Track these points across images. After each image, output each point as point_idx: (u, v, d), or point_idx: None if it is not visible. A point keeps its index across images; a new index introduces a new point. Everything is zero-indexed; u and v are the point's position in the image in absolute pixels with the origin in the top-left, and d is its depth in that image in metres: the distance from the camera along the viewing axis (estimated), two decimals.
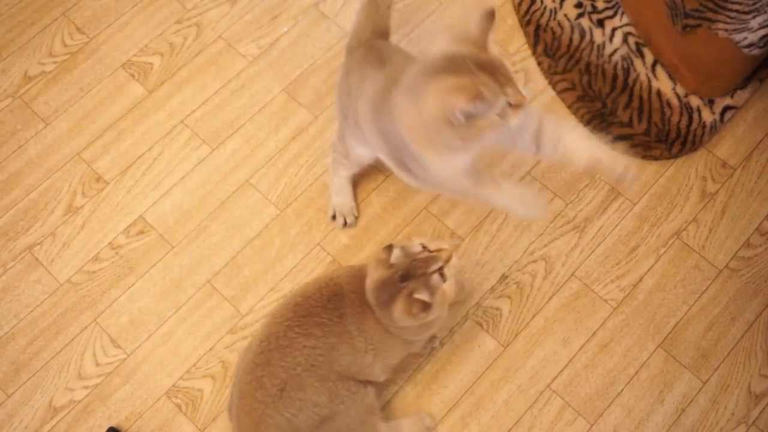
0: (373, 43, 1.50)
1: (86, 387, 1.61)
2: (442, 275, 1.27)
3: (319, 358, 1.33)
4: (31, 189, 1.80)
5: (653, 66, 1.88)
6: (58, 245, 1.74)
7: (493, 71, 1.17)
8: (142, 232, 1.74)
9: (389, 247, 1.28)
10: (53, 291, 1.69)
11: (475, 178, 1.33)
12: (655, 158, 1.79)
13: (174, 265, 1.71)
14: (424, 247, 1.29)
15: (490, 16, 1.20)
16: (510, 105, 1.19)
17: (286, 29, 1.95)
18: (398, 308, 1.26)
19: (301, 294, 1.38)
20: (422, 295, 1.24)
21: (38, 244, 1.74)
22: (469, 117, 1.15)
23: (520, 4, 1.97)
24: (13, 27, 1.98)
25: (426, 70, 1.22)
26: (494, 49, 1.20)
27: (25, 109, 1.88)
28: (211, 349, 1.63)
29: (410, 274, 1.25)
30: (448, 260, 1.27)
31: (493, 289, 1.67)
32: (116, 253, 1.73)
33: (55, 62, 1.93)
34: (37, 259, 1.72)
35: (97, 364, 1.63)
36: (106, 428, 1.56)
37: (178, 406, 1.59)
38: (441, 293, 1.27)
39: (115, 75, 1.91)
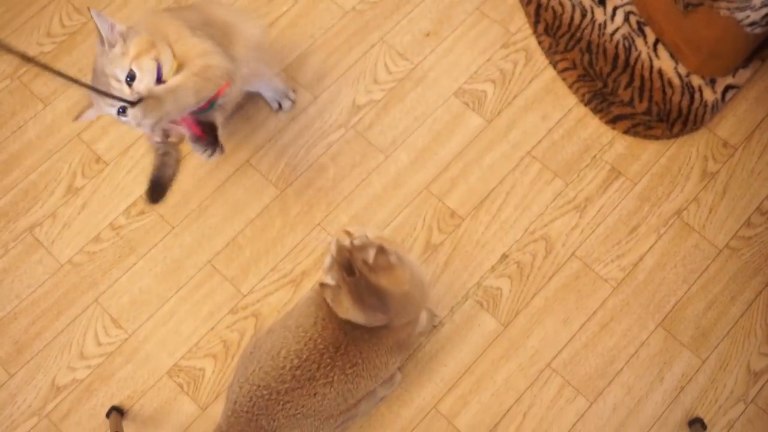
0: None
1: (88, 366, 1.62)
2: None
3: (334, 405, 1.31)
4: (31, 170, 1.79)
5: (654, 45, 1.87)
6: (59, 226, 1.74)
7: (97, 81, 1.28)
8: (142, 213, 1.74)
9: (323, 285, 1.25)
10: (54, 272, 1.70)
11: None
12: (656, 138, 1.79)
13: (174, 245, 1.71)
14: (348, 233, 1.27)
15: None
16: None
17: (285, 8, 1.94)
18: (384, 284, 1.22)
19: (296, 355, 1.27)
20: (370, 253, 1.22)
21: (39, 225, 1.74)
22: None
23: None
24: (10, 8, 1.97)
25: None
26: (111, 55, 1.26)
27: (23, 90, 1.87)
28: (212, 328, 1.64)
29: (347, 263, 1.22)
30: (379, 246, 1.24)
31: (493, 268, 1.68)
32: (117, 233, 1.73)
33: (53, 43, 1.92)
34: (37, 240, 1.73)
35: (99, 344, 1.63)
36: (108, 407, 1.57)
37: (180, 386, 1.60)
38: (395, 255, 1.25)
39: None
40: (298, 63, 1.88)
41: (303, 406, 1.26)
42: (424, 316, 1.52)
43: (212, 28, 1.41)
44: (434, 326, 1.62)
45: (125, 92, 1.25)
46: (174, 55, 1.29)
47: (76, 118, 1.33)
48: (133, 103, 1.23)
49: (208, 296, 1.67)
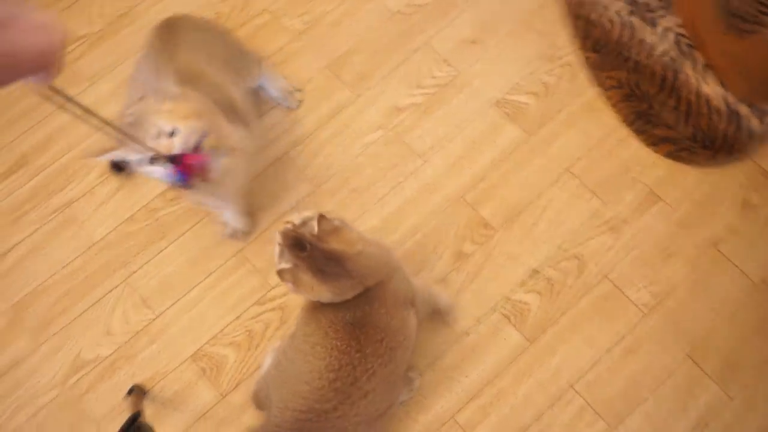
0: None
1: (114, 344, 1.63)
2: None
3: (384, 396, 1.30)
4: (72, 147, 1.81)
5: (703, 70, 1.85)
6: (94, 204, 1.76)
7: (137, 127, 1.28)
8: (177, 198, 1.76)
9: (280, 271, 1.23)
10: (87, 248, 1.71)
11: None
12: (699, 164, 1.76)
13: (207, 232, 1.72)
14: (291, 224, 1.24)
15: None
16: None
17: (333, 6, 1.95)
18: (335, 244, 1.20)
19: (328, 369, 1.25)
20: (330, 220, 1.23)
21: (75, 201, 1.76)
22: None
23: None
24: None
25: None
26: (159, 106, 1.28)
27: (68, 70, 1.89)
28: (238, 317, 1.65)
29: (299, 240, 1.20)
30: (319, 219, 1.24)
31: (523, 283, 1.66)
32: (151, 216, 1.74)
33: (103, 23, 1.94)
34: (73, 216, 1.74)
35: (126, 323, 1.65)
36: (130, 386, 1.58)
37: (203, 370, 1.60)
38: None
39: None
40: (342, 61, 1.88)
41: (356, 414, 1.24)
42: (418, 286, 1.45)
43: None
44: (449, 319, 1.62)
45: (163, 145, 1.26)
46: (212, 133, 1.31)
47: (98, 156, 1.29)
48: (170, 158, 1.24)
49: (236, 285, 1.68)
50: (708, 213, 1.72)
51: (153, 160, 1.26)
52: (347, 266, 1.22)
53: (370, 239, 1.30)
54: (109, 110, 1.84)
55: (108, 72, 1.89)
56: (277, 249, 1.24)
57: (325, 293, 1.23)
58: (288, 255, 1.21)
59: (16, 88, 1.87)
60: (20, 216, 1.75)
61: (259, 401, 1.43)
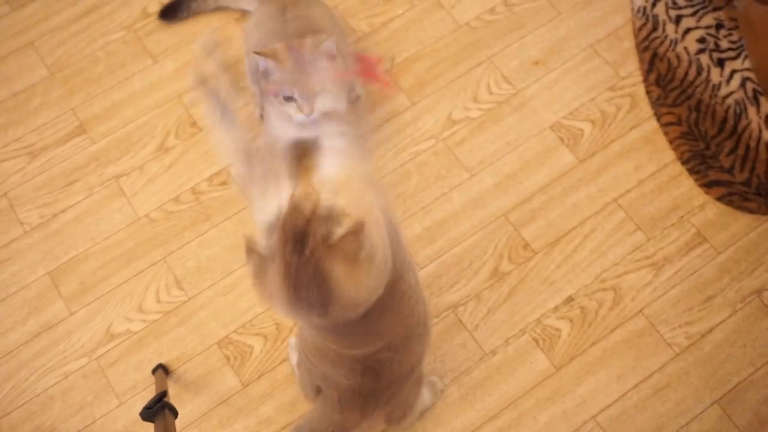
0: None
1: (144, 321, 1.66)
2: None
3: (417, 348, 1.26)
4: (129, 121, 1.85)
5: (767, 117, 1.81)
6: (144, 180, 1.79)
7: (298, 70, 1.33)
8: (224, 183, 1.78)
9: (249, 252, 0.98)
10: (131, 222, 1.74)
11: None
12: (751, 211, 1.73)
13: (249, 220, 1.74)
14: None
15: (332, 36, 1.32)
16: (296, 102, 1.31)
17: (401, 11, 1.95)
18: (340, 278, 0.93)
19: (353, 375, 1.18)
20: (339, 230, 0.93)
21: (125, 175, 1.79)
22: (266, 74, 1.32)
23: (640, 29, 1.92)
24: None
25: None
26: (321, 62, 1.32)
27: (137, 44, 1.93)
28: (268, 309, 1.66)
29: (301, 234, 0.92)
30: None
31: (556, 308, 1.65)
32: (196, 198, 1.76)
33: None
34: (122, 189, 1.78)
35: (159, 301, 1.67)
36: (155, 364, 1.60)
37: (227, 357, 1.62)
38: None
39: (226, 27, 1.95)
40: (403, 66, 1.88)
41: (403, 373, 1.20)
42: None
43: None
44: (486, 353, 1.60)
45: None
46: None
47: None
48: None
49: None
50: (754, 261, 1.68)
51: None
52: (329, 305, 0.94)
53: (380, 262, 1.02)
54: (173, 89, 1.87)
55: (174, 52, 1.92)
56: (263, 212, 0.95)
57: (276, 307, 0.96)
58: (275, 240, 0.92)
59: (89, 53, 1.91)
60: (73, 182, 1.78)
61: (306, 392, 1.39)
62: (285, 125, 1.53)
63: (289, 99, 1.45)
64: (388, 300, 1.07)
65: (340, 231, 0.91)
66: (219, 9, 1.95)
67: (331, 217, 0.94)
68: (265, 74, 1.46)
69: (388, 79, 1.19)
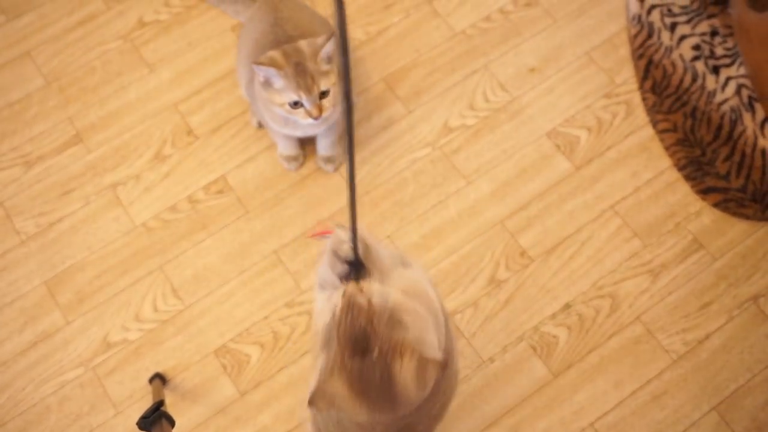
0: None
1: (141, 330, 1.65)
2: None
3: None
4: (126, 130, 1.85)
5: (762, 123, 1.82)
6: (140, 189, 1.78)
7: (301, 73, 1.43)
8: (221, 192, 1.78)
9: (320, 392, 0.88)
10: (128, 231, 1.74)
11: None
12: (747, 217, 1.73)
13: (246, 229, 1.74)
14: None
15: (329, 36, 1.45)
16: (304, 107, 1.46)
17: (397, 19, 1.96)
18: (405, 385, 0.86)
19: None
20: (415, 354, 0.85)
21: (122, 183, 1.79)
22: (268, 85, 1.46)
23: (636, 36, 1.92)
24: None
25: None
26: (320, 66, 1.45)
27: (134, 53, 1.94)
28: (265, 317, 1.65)
29: (361, 337, 0.84)
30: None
31: (554, 316, 1.65)
32: (193, 207, 1.76)
33: (170, 13, 1.98)
34: (118, 197, 1.78)
35: (155, 310, 1.67)
36: (152, 373, 1.60)
37: (224, 366, 1.61)
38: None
39: (223, 36, 1.95)
40: (399, 74, 1.89)
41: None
42: None
43: None
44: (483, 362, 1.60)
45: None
46: None
47: None
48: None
49: (268, 285, 1.69)
50: (750, 267, 1.68)
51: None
52: (397, 403, 0.87)
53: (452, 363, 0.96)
54: (169, 97, 1.88)
55: (170, 61, 1.92)
56: (326, 314, 0.86)
57: (361, 415, 0.89)
58: (334, 349, 0.83)
59: (86, 62, 1.91)
60: (69, 191, 1.78)
61: None
62: (291, 129, 1.54)
63: (296, 105, 1.45)
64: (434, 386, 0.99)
65: (403, 333, 0.83)
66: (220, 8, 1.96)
67: (393, 309, 0.84)
68: (267, 84, 1.47)
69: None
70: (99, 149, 1.83)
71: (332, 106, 1.50)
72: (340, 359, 0.83)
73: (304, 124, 1.52)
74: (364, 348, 0.81)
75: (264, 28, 1.60)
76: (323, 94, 1.48)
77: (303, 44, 1.48)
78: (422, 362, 0.84)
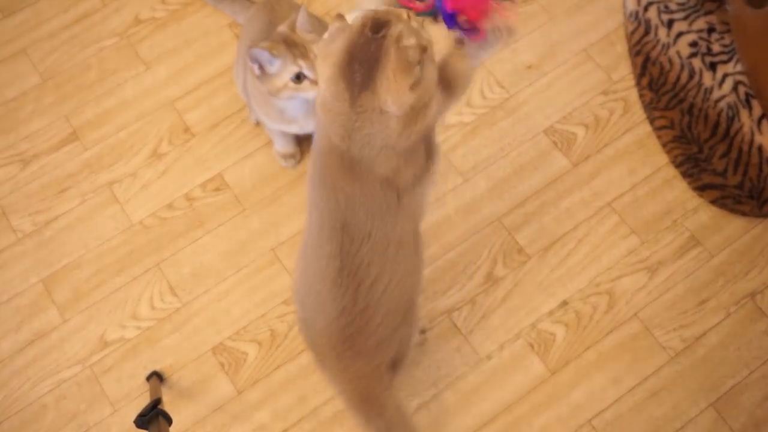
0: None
1: (138, 328, 1.65)
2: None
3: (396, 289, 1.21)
4: (122, 128, 1.84)
5: (759, 120, 1.82)
6: (137, 186, 1.78)
7: (292, 45, 1.43)
8: (218, 189, 1.77)
9: (340, 16, 1.07)
10: (124, 229, 1.74)
11: None
12: (744, 214, 1.73)
13: (243, 226, 1.74)
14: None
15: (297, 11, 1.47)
16: (307, 78, 1.44)
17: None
18: (389, 69, 1.02)
19: (332, 255, 1.16)
20: (411, 40, 1.02)
21: (119, 181, 1.79)
22: (264, 73, 1.45)
23: (633, 33, 1.92)
24: None
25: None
26: (304, 36, 1.45)
27: (129, 50, 1.93)
28: (263, 315, 1.65)
29: (382, 23, 1.03)
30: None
31: (551, 313, 1.65)
32: (190, 204, 1.76)
33: (166, 10, 1.97)
34: (114, 195, 1.77)
35: (153, 308, 1.66)
36: (150, 371, 1.60)
37: (222, 364, 1.61)
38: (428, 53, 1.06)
39: (220, 32, 1.95)
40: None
41: (377, 305, 1.18)
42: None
43: None
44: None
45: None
46: None
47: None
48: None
49: (265, 283, 1.68)
50: (748, 264, 1.68)
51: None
52: (369, 89, 1.03)
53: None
54: (166, 95, 1.87)
55: (167, 58, 1.92)
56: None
57: (324, 96, 1.05)
58: (359, 19, 1.04)
59: (82, 60, 1.91)
60: (66, 189, 1.78)
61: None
62: (301, 115, 1.53)
63: (299, 79, 1.45)
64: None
65: (412, 41, 1.03)
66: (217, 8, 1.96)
67: (415, 32, 1.04)
68: (263, 74, 1.46)
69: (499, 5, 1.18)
70: (95, 147, 1.82)
71: None
72: (359, 27, 1.03)
73: (312, 97, 1.49)
74: (378, 28, 1.02)
75: (260, 27, 1.60)
76: None
77: (281, 27, 1.49)
78: (407, 49, 1.02)
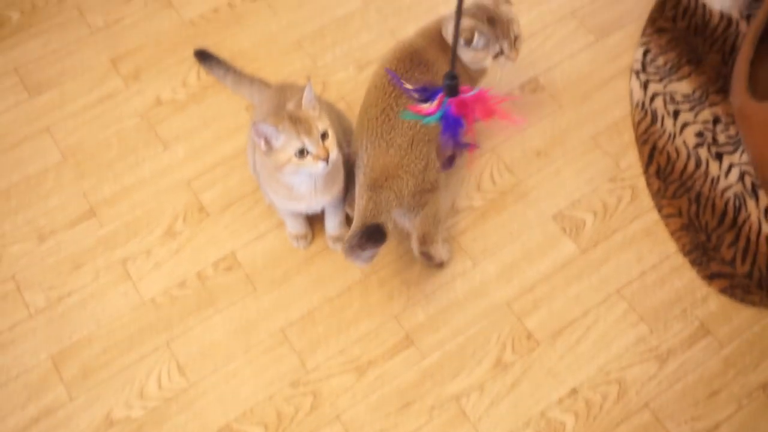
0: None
1: (145, 407, 1.64)
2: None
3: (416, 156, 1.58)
4: (138, 206, 1.88)
5: (767, 210, 1.84)
6: (150, 264, 1.80)
7: (296, 121, 1.49)
8: (230, 268, 1.79)
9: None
10: (136, 306, 1.75)
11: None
12: (753, 304, 1.73)
13: (253, 306, 1.75)
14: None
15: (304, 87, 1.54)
16: (310, 153, 1.50)
17: None
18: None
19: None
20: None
21: (132, 258, 1.81)
22: (270, 148, 1.50)
23: (639, 122, 1.97)
24: (156, 53, 2.11)
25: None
26: (309, 112, 1.51)
27: (149, 131, 1.99)
28: (270, 397, 1.65)
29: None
30: None
31: (560, 401, 1.63)
32: (202, 283, 1.78)
33: (186, 92, 2.04)
34: (128, 272, 1.79)
35: (160, 387, 1.66)
36: None
37: None
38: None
39: (237, 115, 2.00)
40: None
41: (403, 165, 1.58)
42: None
43: None
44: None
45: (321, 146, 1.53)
46: None
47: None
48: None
49: (273, 364, 1.68)
50: (759, 355, 1.67)
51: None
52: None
53: None
54: (182, 174, 1.91)
55: (185, 138, 1.97)
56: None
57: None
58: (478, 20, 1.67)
59: (103, 139, 1.96)
60: (80, 265, 1.80)
61: None
62: (308, 192, 1.57)
63: (302, 154, 1.48)
64: None
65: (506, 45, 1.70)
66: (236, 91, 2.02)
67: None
68: (269, 149, 1.50)
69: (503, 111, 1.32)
70: (111, 224, 1.86)
71: (335, 147, 1.53)
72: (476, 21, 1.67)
73: (318, 171, 1.53)
74: (492, 20, 1.69)
75: (270, 108, 1.66)
76: (324, 137, 1.51)
77: (288, 104, 1.54)
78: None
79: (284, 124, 1.49)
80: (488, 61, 1.72)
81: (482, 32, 1.67)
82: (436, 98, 1.29)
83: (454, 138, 1.29)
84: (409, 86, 1.46)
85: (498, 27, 1.69)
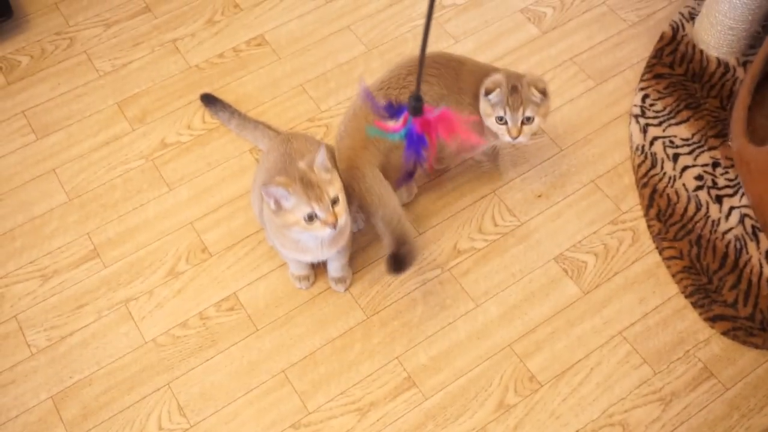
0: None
1: None
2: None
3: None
4: (142, 246, 1.89)
5: (767, 253, 1.84)
6: (152, 304, 1.81)
7: (308, 185, 1.49)
8: (232, 309, 1.79)
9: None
10: (137, 347, 1.75)
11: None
12: (756, 346, 1.73)
13: (254, 347, 1.74)
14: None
15: (318, 149, 1.55)
16: (318, 219, 1.50)
17: None
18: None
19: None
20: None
21: (135, 299, 1.81)
22: (279, 208, 1.50)
23: (639, 166, 1.99)
24: (162, 96, 2.15)
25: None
26: (321, 175, 1.51)
27: (154, 172, 2.01)
28: None
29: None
30: None
31: None
32: (203, 324, 1.78)
33: (191, 135, 2.07)
34: (130, 313, 1.80)
35: (160, 428, 1.65)
36: None
37: None
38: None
39: (241, 157, 2.03)
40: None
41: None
42: None
43: None
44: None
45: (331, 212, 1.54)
46: None
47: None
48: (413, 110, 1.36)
49: (274, 405, 1.67)
50: (762, 398, 1.66)
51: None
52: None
53: None
54: (186, 215, 1.93)
55: (189, 180, 1.99)
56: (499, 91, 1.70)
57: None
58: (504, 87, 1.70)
59: (108, 180, 1.98)
60: (83, 305, 1.80)
61: None
62: (315, 246, 1.58)
63: (310, 218, 1.49)
64: None
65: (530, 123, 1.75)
66: (241, 135, 2.05)
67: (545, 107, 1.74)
68: (278, 208, 1.51)
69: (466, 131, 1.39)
70: (114, 264, 1.87)
71: (345, 212, 1.55)
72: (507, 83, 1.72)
73: (326, 236, 1.55)
74: (514, 88, 1.72)
75: (276, 158, 1.67)
76: (334, 202, 1.52)
77: (301, 163, 1.54)
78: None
79: (295, 186, 1.49)
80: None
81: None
82: (401, 116, 1.32)
83: (416, 154, 1.33)
84: (381, 102, 1.48)
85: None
